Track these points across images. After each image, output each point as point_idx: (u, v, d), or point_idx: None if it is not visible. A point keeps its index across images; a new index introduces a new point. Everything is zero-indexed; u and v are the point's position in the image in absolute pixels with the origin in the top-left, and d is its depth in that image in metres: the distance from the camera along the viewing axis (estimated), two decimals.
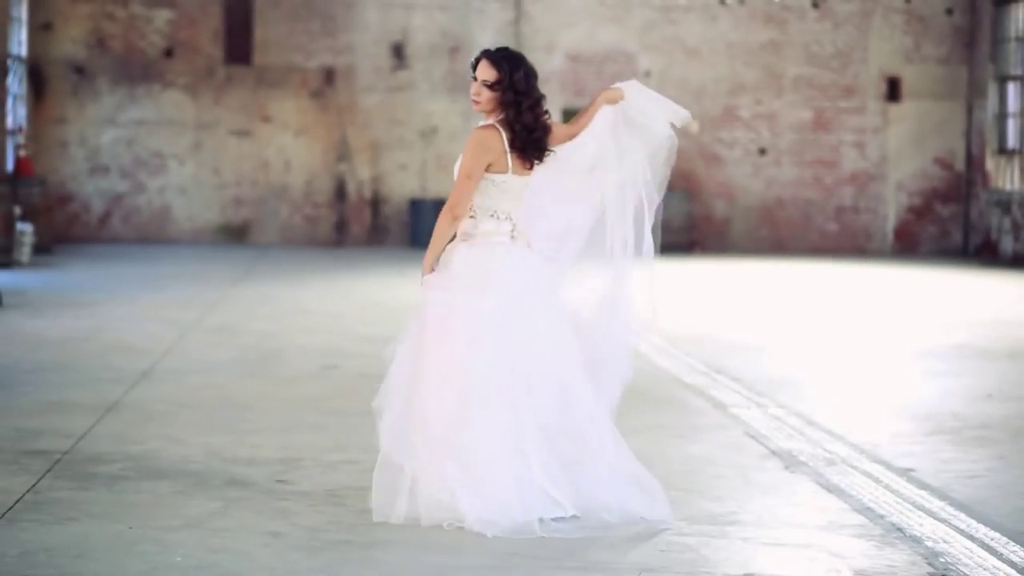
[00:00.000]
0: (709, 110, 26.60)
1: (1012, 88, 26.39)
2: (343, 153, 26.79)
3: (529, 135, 6.39)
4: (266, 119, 26.71)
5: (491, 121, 6.43)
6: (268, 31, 26.61)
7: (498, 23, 26.94)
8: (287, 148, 26.76)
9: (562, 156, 6.53)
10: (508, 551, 5.79)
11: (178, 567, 5.47)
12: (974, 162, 27.42)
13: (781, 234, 27.48)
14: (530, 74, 6.42)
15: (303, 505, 6.56)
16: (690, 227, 26.59)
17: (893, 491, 7.11)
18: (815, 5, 27.34)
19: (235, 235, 26.71)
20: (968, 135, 27.57)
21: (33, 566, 5.45)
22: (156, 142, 26.61)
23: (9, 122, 24.58)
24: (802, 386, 10.71)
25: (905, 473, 7.56)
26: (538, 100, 6.42)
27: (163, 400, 9.40)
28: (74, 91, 26.40)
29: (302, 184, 26.85)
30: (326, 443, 8.13)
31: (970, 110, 27.52)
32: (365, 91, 26.93)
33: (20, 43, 25.39)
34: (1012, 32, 26.29)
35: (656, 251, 6.58)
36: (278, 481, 7.06)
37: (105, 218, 26.59)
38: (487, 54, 6.46)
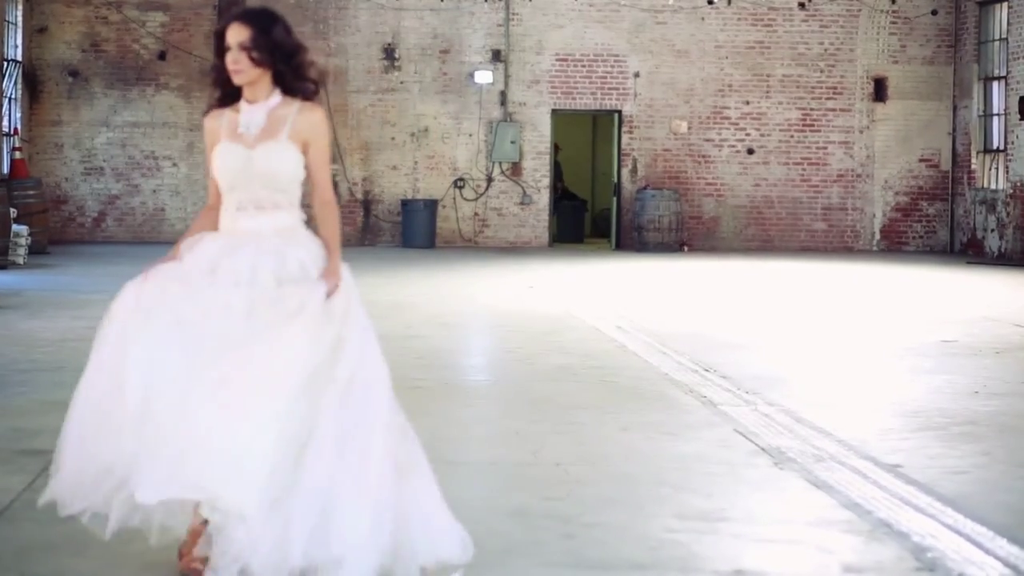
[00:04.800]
0: (697, 110, 26.51)
1: (996, 88, 26.52)
2: (334, 154, 26.92)
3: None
4: None
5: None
6: None
7: (488, 24, 27.08)
8: None
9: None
10: (501, 549, 5.80)
11: (175, 564, 5.48)
12: (959, 161, 27.55)
13: (769, 233, 27.61)
14: (289, 29, 5.65)
15: None
16: (679, 226, 26.70)
17: (881, 487, 7.11)
18: (802, 6, 27.51)
19: None
20: (953, 134, 27.69)
21: (32, 563, 5.49)
22: (150, 144, 26.74)
23: (4, 125, 24.75)
24: (791, 383, 10.67)
25: (893, 469, 7.56)
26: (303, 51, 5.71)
27: None
28: (69, 94, 26.52)
29: None
30: None
31: (955, 109, 27.65)
32: (356, 92, 27.06)
33: (16, 47, 25.55)
34: (996, 32, 26.46)
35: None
36: None
37: (100, 219, 26.73)
38: (235, 16, 5.57)
